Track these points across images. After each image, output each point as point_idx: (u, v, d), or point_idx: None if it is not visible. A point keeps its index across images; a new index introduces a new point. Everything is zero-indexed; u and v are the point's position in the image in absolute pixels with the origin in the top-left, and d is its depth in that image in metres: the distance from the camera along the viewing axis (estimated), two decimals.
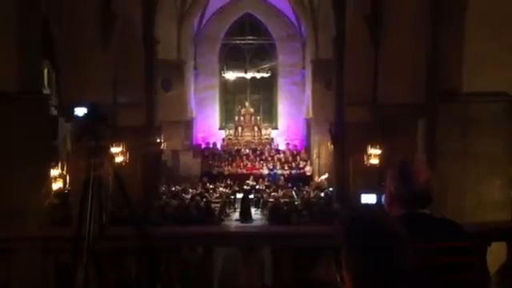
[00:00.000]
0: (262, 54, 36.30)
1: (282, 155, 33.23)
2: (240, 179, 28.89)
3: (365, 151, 17.83)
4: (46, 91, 16.61)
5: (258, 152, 33.55)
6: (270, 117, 36.80)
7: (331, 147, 24.23)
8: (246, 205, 24.13)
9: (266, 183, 29.14)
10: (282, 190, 26.98)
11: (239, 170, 31.45)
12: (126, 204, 4.28)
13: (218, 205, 23.61)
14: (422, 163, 3.19)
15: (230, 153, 33.59)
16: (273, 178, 30.32)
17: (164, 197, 23.07)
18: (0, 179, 8.67)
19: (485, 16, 8.77)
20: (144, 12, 21.12)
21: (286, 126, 35.91)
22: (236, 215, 24.29)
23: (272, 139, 35.13)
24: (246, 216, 23.40)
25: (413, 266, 1.96)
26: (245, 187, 25.94)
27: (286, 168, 31.71)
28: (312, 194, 24.84)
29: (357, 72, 19.41)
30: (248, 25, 35.72)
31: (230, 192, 26.99)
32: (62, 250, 4.88)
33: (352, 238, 2.01)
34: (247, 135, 34.65)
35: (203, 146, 34.62)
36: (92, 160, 3.94)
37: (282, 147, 34.81)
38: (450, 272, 2.70)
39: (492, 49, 8.72)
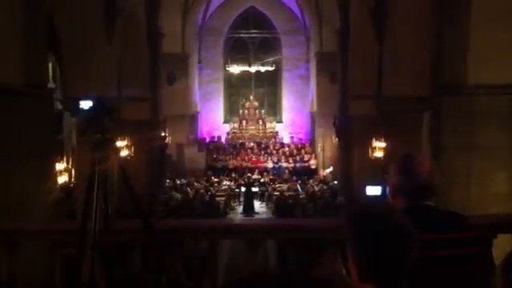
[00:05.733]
0: (266, 47, 36.18)
1: (286, 148, 33.27)
2: (245, 173, 28.93)
3: (369, 144, 17.83)
4: (51, 85, 16.63)
5: (263, 145, 33.61)
6: (275, 110, 36.75)
7: (336, 140, 24.22)
8: (248, 198, 24.18)
9: (271, 176, 29.19)
10: (286, 183, 27.02)
11: (244, 164, 31.50)
12: (131, 197, 4.29)
13: (223, 198, 23.66)
14: (425, 155, 3.18)
15: (235, 146, 33.65)
16: (277, 171, 30.38)
17: (169, 190, 23.12)
18: (4, 173, 8.68)
19: (490, 8, 8.72)
20: (148, 5, 21.10)
21: (291, 119, 35.87)
22: (241, 208, 24.36)
23: (276, 133, 35.10)
24: (249, 209, 23.45)
25: (417, 258, 1.97)
26: (246, 181, 25.97)
27: (291, 161, 31.77)
28: (317, 187, 24.88)
29: (361, 65, 19.38)
30: (252, 18, 35.62)
31: (235, 185, 27.05)
32: (67, 243, 4.90)
33: (359, 232, 2.01)
34: (252, 129, 34.64)
35: (208, 139, 34.67)
36: (97, 154, 3.94)
37: (286, 141, 34.80)
38: (454, 263, 2.70)
39: (498, 41, 8.68)
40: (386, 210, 2.08)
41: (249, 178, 27.06)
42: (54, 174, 11.17)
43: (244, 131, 34.66)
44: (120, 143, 16.80)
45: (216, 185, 26.77)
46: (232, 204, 24.94)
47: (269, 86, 36.98)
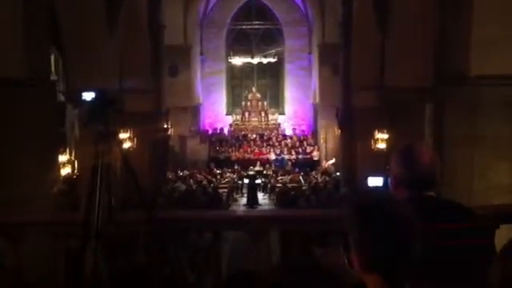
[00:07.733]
0: (268, 38, 36.06)
1: (289, 140, 33.22)
2: (247, 164, 28.92)
3: (372, 136, 17.82)
4: (53, 77, 16.62)
5: (266, 137, 33.56)
6: (277, 102, 36.67)
7: (338, 132, 24.21)
8: (252, 190, 24.17)
9: (274, 168, 29.19)
10: (289, 175, 27.02)
11: (246, 156, 31.50)
12: (135, 189, 4.30)
13: (226, 190, 23.67)
14: (426, 146, 3.18)
15: (237, 138, 33.62)
16: (280, 163, 30.37)
17: (171, 182, 23.14)
18: (8, 166, 8.71)
19: None
20: None
21: (293, 111, 35.80)
22: (243, 200, 24.35)
23: (279, 124, 35.03)
24: (252, 201, 23.45)
25: (422, 248, 1.97)
26: (250, 173, 25.97)
27: (293, 153, 31.74)
28: (319, 179, 24.87)
29: (364, 56, 19.33)
30: (254, 9, 35.46)
31: (238, 177, 27.05)
32: (71, 234, 4.91)
33: (361, 222, 2.01)
34: (254, 120, 34.59)
35: (210, 131, 34.64)
36: (100, 145, 3.94)
37: (288, 132, 34.76)
38: (456, 254, 2.71)
39: (500, 31, 8.65)
40: (387, 200, 2.09)
41: (251, 169, 27.05)
42: (56, 166, 11.19)
43: (246, 123, 34.63)
44: (122, 135, 16.81)
45: (219, 177, 26.77)
46: (235, 196, 24.95)
47: (271, 77, 36.91)
